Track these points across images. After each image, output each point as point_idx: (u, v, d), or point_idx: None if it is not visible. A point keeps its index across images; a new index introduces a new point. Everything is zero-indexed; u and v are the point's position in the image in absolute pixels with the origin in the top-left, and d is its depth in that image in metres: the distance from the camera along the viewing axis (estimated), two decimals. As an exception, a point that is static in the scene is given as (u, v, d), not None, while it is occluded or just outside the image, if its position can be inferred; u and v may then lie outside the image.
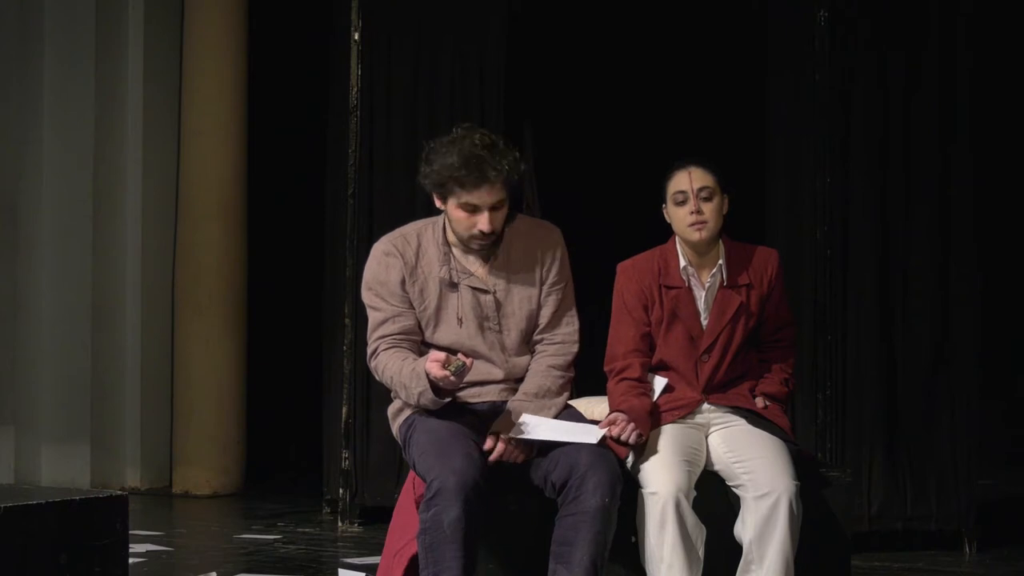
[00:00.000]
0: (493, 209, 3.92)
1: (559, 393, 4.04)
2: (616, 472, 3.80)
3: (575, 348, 4.10)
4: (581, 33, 7.46)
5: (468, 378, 3.94)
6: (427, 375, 3.81)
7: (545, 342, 4.09)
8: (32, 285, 8.04)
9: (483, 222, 3.92)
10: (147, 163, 8.27)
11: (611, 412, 4.01)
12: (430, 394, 3.85)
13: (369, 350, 4.07)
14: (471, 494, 3.68)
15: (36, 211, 8.05)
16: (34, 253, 8.05)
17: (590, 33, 7.48)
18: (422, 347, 4.05)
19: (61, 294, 8.05)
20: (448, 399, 3.90)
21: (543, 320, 4.08)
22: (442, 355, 3.80)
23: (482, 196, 3.89)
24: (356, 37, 6.67)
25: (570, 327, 4.10)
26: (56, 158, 8.05)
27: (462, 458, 3.73)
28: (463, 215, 3.94)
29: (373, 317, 4.06)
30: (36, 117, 8.04)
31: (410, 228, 4.13)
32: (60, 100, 8.06)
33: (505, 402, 4.01)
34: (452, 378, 3.77)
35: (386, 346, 4.02)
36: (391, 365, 3.97)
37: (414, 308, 4.03)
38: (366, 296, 4.08)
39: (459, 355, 3.82)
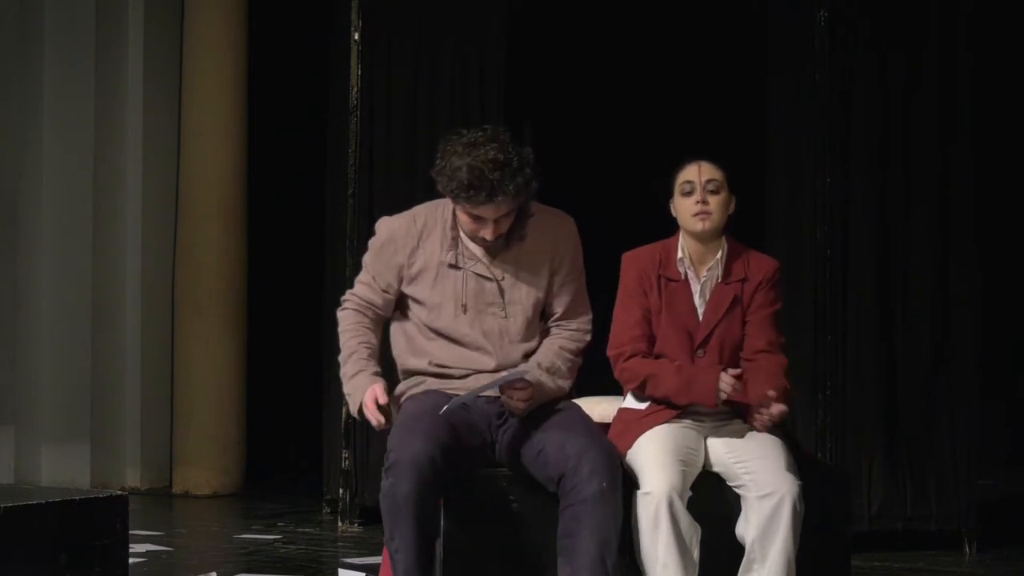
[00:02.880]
0: (498, 220, 3.93)
1: (567, 376, 4.04)
2: (611, 456, 3.80)
3: (588, 337, 4.09)
4: (581, 33, 7.46)
5: (459, 366, 3.99)
6: (361, 400, 3.94)
7: (560, 327, 4.08)
8: (32, 285, 8.04)
9: (487, 232, 3.94)
10: (147, 163, 8.27)
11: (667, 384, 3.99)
12: (355, 407, 3.99)
13: (343, 298, 4.18)
14: (425, 470, 3.73)
15: (36, 211, 8.05)
16: (34, 253, 8.05)
17: (590, 33, 7.48)
18: (406, 326, 4.10)
19: (61, 294, 8.05)
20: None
21: (559, 309, 4.06)
22: (384, 399, 3.91)
23: (488, 212, 3.90)
24: (356, 37, 6.68)
25: (584, 317, 4.10)
26: (56, 158, 8.05)
27: (422, 434, 3.78)
28: (468, 220, 3.96)
29: (360, 275, 4.15)
30: (36, 117, 8.04)
31: (420, 209, 4.13)
32: (60, 100, 8.06)
33: (497, 398, 4.00)
34: (381, 423, 3.91)
35: (354, 306, 4.13)
36: (346, 335, 4.13)
37: (391, 290, 4.07)
38: (365, 256, 4.15)
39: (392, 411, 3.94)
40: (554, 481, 3.81)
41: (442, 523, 3.93)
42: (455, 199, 3.91)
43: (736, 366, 4.08)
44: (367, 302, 4.11)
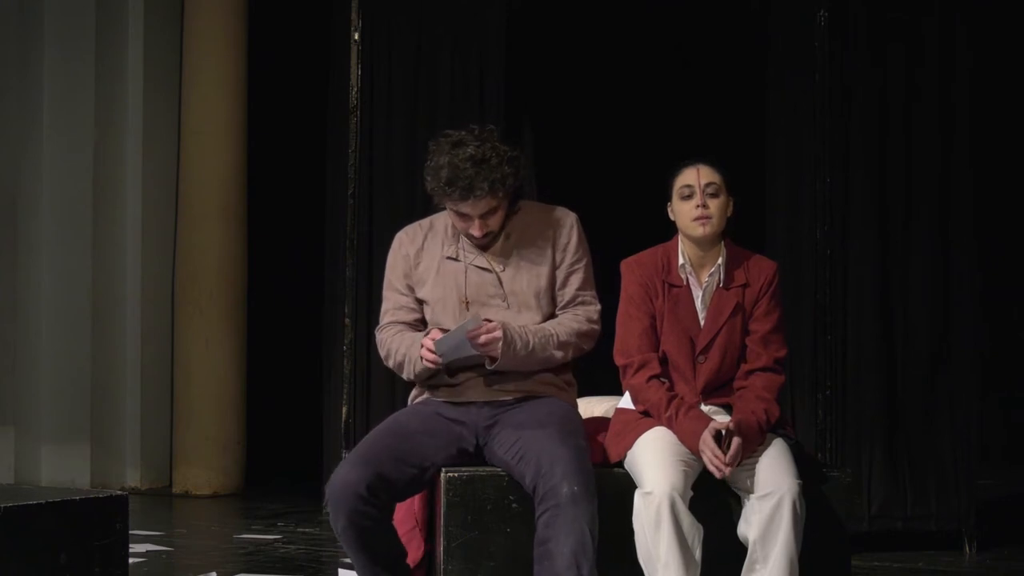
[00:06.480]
0: (484, 216, 4.00)
1: (558, 347, 4.03)
2: (583, 460, 3.80)
3: (596, 327, 4.11)
4: (581, 32, 7.45)
5: (459, 363, 4.01)
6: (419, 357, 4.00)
7: (567, 311, 4.11)
8: (32, 285, 8.05)
9: (473, 228, 4.02)
10: (147, 163, 8.28)
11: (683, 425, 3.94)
12: (413, 369, 4.04)
13: (377, 327, 4.24)
14: (355, 500, 3.78)
15: (36, 211, 8.05)
16: (34, 253, 8.05)
17: (590, 32, 7.48)
18: (421, 327, 4.16)
19: (61, 294, 8.05)
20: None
21: (566, 297, 4.11)
22: (430, 337, 3.96)
23: (468, 208, 3.99)
24: (356, 37, 6.66)
25: (592, 307, 4.12)
26: (56, 158, 8.06)
27: (356, 462, 3.84)
28: (456, 218, 4.06)
29: (384, 301, 4.21)
30: (36, 117, 8.04)
31: (436, 215, 4.23)
32: (60, 100, 8.06)
33: (492, 401, 4.03)
34: (435, 360, 3.95)
35: (387, 322, 4.17)
36: (390, 345, 4.13)
37: (413, 292, 4.14)
38: (385, 279, 4.23)
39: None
40: (533, 490, 3.81)
41: (442, 523, 3.94)
42: (437, 196, 4.01)
43: (737, 371, 4.08)
44: (396, 309, 4.16)
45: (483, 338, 3.90)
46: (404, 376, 4.13)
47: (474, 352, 3.95)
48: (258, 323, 8.32)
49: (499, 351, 3.93)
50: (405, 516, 4.12)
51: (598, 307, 4.13)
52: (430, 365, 3.96)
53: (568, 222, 4.14)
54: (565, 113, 7.44)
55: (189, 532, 6.74)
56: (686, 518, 3.77)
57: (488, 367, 3.99)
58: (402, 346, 4.08)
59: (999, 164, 8.67)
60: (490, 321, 3.95)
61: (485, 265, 4.08)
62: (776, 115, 6.39)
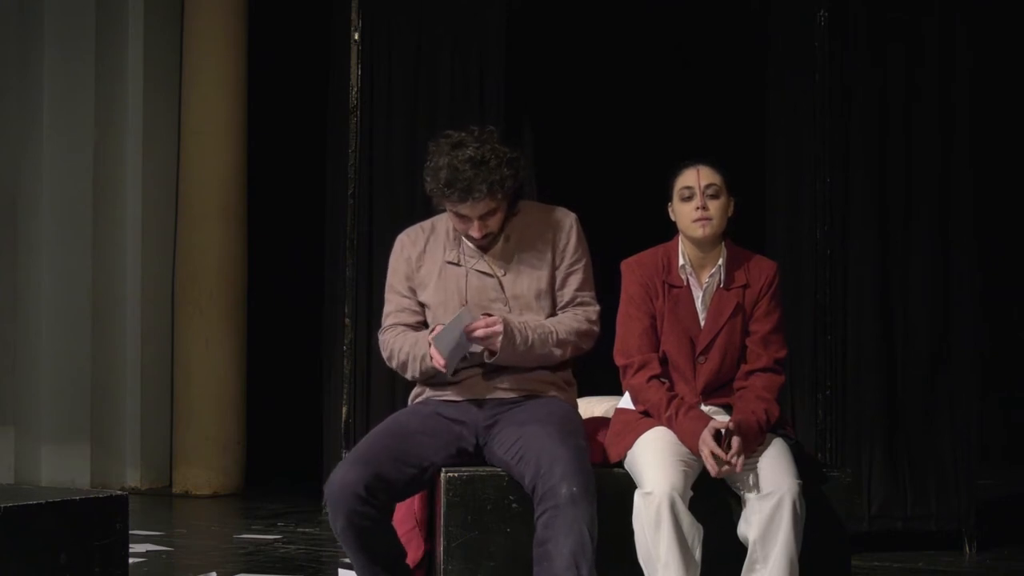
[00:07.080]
0: (483, 217, 4.01)
1: (557, 345, 4.04)
2: (583, 461, 3.80)
3: (595, 328, 4.11)
4: (581, 32, 7.45)
5: (461, 363, 4.02)
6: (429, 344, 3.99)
7: (568, 311, 4.12)
8: (32, 285, 8.05)
9: (472, 229, 4.03)
10: (147, 163, 8.28)
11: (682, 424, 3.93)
12: (420, 366, 4.03)
13: (380, 329, 4.24)
14: (354, 500, 3.78)
15: (36, 211, 8.05)
16: (34, 253, 8.05)
17: (590, 32, 7.48)
18: (423, 329, 4.15)
19: (61, 294, 8.05)
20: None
21: (565, 298, 4.11)
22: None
23: (467, 209, 3.99)
24: (356, 37, 6.66)
25: (591, 307, 4.13)
26: (56, 158, 8.06)
27: (355, 463, 3.84)
28: (455, 219, 4.07)
29: (386, 303, 4.21)
30: (36, 117, 8.04)
31: (438, 217, 4.23)
32: (60, 100, 8.06)
33: (492, 400, 4.03)
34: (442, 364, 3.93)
35: (390, 324, 4.17)
36: (394, 346, 4.12)
37: (415, 295, 4.15)
38: (387, 282, 4.23)
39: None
40: (532, 490, 3.81)
41: (442, 523, 3.94)
42: (436, 197, 4.02)
43: (737, 371, 4.08)
44: (398, 311, 4.16)
45: (480, 332, 3.91)
46: (408, 376, 4.14)
47: (474, 350, 3.96)
48: (258, 323, 8.32)
49: (499, 345, 3.93)
50: (405, 516, 4.12)
51: (597, 308, 4.14)
52: (439, 368, 3.96)
53: (567, 223, 4.15)
54: (565, 113, 7.44)
55: (189, 532, 6.74)
56: (686, 518, 3.77)
57: (487, 360, 3.99)
58: (405, 345, 4.08)
59: (999, 164, 8.67)
60: (489, 315, 3.96)
61: (486, 270, 4.08)
62: (776, 115, 6.39)
